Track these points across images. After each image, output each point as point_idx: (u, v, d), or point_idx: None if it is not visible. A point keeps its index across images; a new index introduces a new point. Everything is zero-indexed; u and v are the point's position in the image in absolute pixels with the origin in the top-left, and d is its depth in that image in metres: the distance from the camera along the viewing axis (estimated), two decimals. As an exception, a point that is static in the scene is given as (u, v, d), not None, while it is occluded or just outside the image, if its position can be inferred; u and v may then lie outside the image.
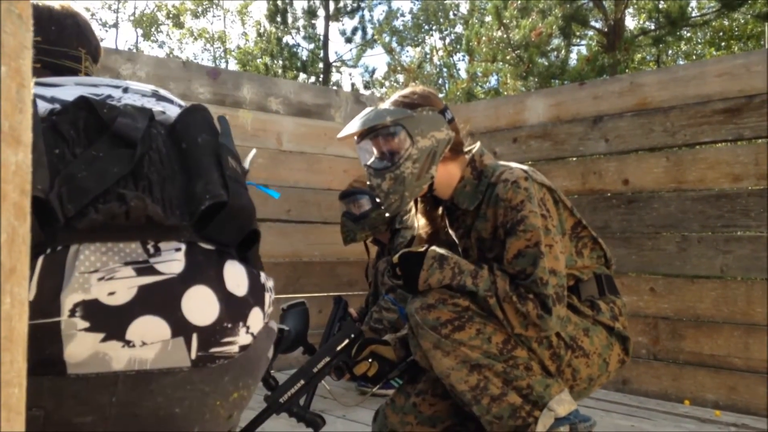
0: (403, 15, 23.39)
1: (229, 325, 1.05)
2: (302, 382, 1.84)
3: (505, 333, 1.64)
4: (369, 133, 1.73)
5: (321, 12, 15.28)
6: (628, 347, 1.77)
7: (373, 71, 18.87)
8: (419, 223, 1.94)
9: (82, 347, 0.93)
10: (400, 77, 17.45)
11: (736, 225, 2.70)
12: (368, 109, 1.76)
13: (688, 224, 2.84)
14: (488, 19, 11.58)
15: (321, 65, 16.02)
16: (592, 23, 10.19)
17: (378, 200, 3.10)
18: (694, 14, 10.00)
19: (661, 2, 9.32)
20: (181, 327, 0.99)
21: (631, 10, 11.68)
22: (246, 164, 1.24)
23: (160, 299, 0.99)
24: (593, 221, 3.01)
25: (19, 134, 0.49)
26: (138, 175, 1.04)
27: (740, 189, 2.70)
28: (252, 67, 18.14)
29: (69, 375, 0.94)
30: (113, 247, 0.99)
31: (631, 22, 12.89)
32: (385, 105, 1.78)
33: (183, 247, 1.04)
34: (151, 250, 1.02)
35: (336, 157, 3.74)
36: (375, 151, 1.76)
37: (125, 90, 1.22)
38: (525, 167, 1.75)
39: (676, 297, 2.86)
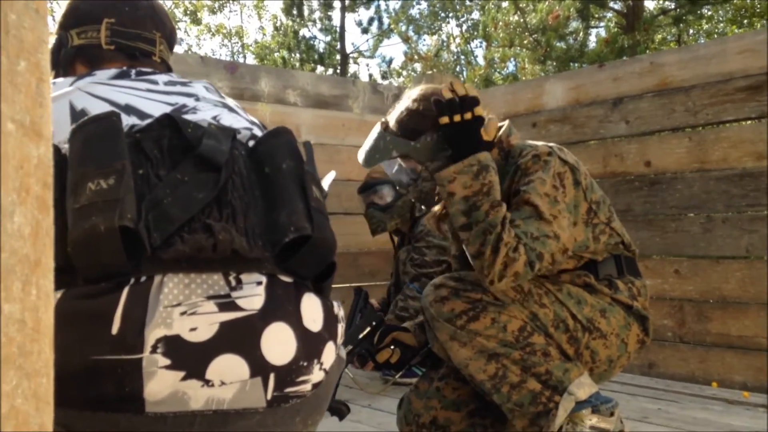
0: (419, 3, 23.25)
1: (305, 364, 1.03)
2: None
3: (521, 320, 1.64)
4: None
5: (337, 3, 15.26)
6: (648, 327, 1.76)
7: (391, 61, 18.85)
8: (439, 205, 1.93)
9: (162, 385, 0.92)
10: (418, 66, 17.38)
11: (761, 204, 2.66)
12: (377, 133, 1.79)
13: (712, 205, 2.81)
14: (505, 4, 11.49)
15: (338, 57, 16.01)
16: (611, 4, 10.07)
17: (398, 189, 3.10)
18: (714, -8, 9.84)
19: (681, -19, 9.18)
20: (259, 367, 0.97)
21: (649, -10, 11.50)
22: (325, 186, 1.22)
23: (241, 337, 0.97)
24: (615, 204, 2.97)
25: (40, 128, 0.49)
26: (222, 201, 1.01)
27: (764, 167, 2.65)
28: (270, 60, 18.18)
29: (147, 413, 0.92)
30: (196, 278, 0.97)
31: (650, 2, 12.71)
32: (392, 120, 1.79)
33: (264, 280, 1.01)
34: (233, 283, 0.99)
35: (355, 148, 3.73)
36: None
37: (197, 99, 1.20)
38: (553, 144, 1.74)
39: (701, 279, 2.83)
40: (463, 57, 17.76)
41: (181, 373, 0.92)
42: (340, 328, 1.14)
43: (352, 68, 17.00)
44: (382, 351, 1.92)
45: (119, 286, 0.93)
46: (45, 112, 0.50)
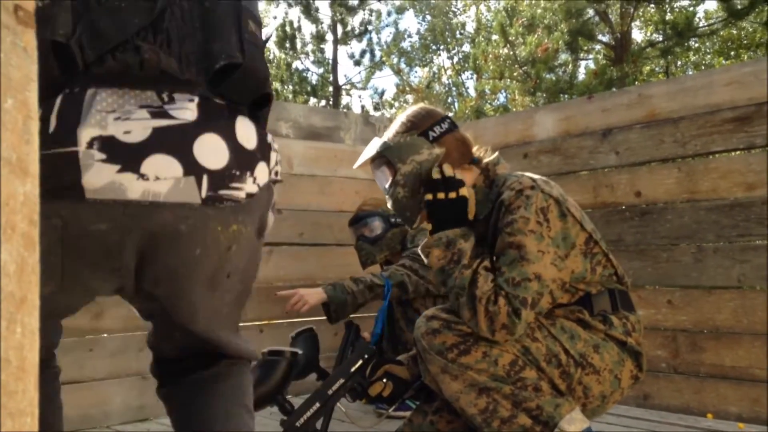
0: (410, 36, 23.56)
1: (237, 173, 1.12)
2: (318, 404, 1.83)
3: (512, 354, 1.63)
4: (373, 162, 1.91)
5: (329, 36, 15.44)
6: (642, 363, 1.75)
7: (383, 93, 19.02)
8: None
9: (99, 176, 1.00)
10: (410, 97, 17.54)
11: (752, 234, 2.68)
12: (375, 139, 1.91)
13: (703, 235, 2.82)
14: (495, 37, 11.64)
15: (331, 89, 16.14)
16: (599, 37, 10.22)
17: (391, 220, 3.11)
18: (701, 24, 10.01)
19: (668, 14, 9.33)
20: (192, 167, 1.07)
21: (637, 22, 11.69)
22: (265, 36, 1.30)
23: (174, 141, 1.06)
24: (606, 235, 2.99)
25: (27, 165, 0.49)
26: (158, 28, 1.09)
27: (754, 197, 2.67)
28: (262, 92, 18.27)
29: (87, 200, 1.02)
30: (129, 92, 1.06)
31: (638, 35, 12.91)
32: (386, 133, 1.91)
33: (196, 99, 1.11)
34: (166, 99, 1.09)
35: (347, 179, 3.75)
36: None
37: None
38: (537, 176, 1.76)
39: (694, 309, 2.82)
40: (454, 88, 17.95)
41: (117, 167, 1.02)
42: (274, 156, 1.24)
43: (344, 100, 17.14)
44: (374, 384, 1.90)
45: (54, 95, 1.02)
46: (32, 150, 0.50)
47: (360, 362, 1.89)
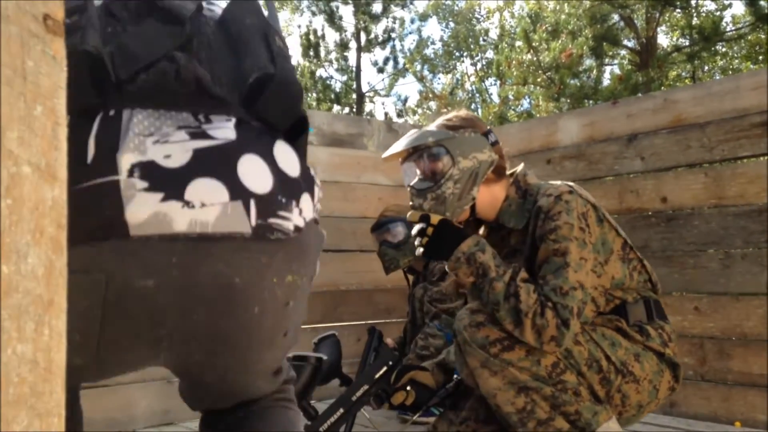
0: (433, 43, 23.57)
1: (284, 200, 1.02)
2: (341, 410, 1.83)
3: (554, 356, 1.61)
4: (412, 153, 1.76)
5: (353, 44, 15.50)
6: (678, 374, 1.73)
7: (406, 99, 19.01)
8: None
9: (142, 207, 0.92)
10: (433, 104, 17.54)
11: (781, 240, 2.63)
12: (413, 131, 1.80)
13: (730, 241, 2.78)
14: (518, 43, 11.60)
15: (354, 96, 16.20)
16: (624, 42, 10.14)
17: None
18: (728, 29, 9.88)
19: (694, 18, 9.23)
20: (238, 191, 0.97)
21: (663, 27, 11.59)
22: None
23: (217, 163, 0.98)
24: (633, 240, 2.95)
25: (55, 170, 0.50)
26: (187, 51, 1.03)
27: (783, 203, 2.63)
28: (286, 100, 18.39)
29: (132, 236, 0.92)
30: (165, 113, 0.99)
31: (664, 40, 12.79)
32: (430, 128, 1.81)
33: (233, 119, 1.04)
34: (203, 120, 1.01)
35: (370, 185, 3.76)
36: (418, 171, 1.77)
37: None
38: (571, 183, 1.74)
39: (721, 315, 2.78)
40: (477, 95, 17.91)
41: (160, 195, 0.93)
42: (317, 190, 1.14)
43: (367, 107, 17.20)
44: (396, 393, 1.89)
45: (89, 118, 0.94)
46: (60, 155, 0.51)
47: (384, 369, 1.89)
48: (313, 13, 15.28)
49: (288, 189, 1.04)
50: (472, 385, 1.73)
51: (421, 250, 1.71)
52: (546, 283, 1.57)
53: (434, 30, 35.92)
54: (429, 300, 3.04)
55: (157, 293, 0.95)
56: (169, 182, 0.93)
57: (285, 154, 1.07)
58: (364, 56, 16.20)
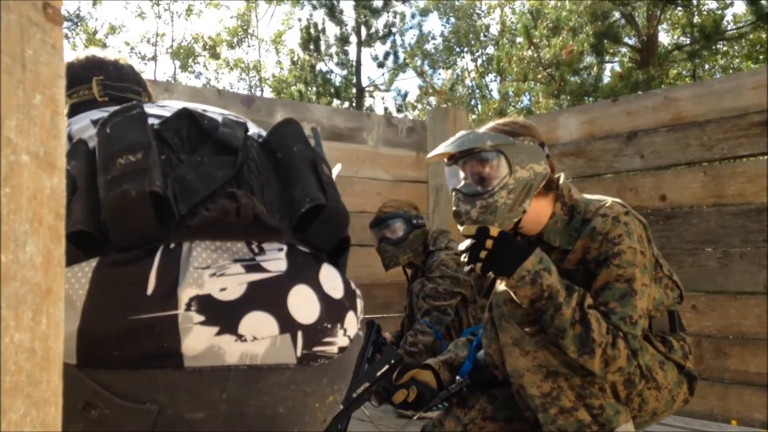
0: (434, 38, 23.54)
1: (329, 326, 1.07)
2: (342, 407, 1.83)
3: None
4: (465, 155, 1.63)
5: (353, 38, 15.47)
6: (694, 387, 1.72)
7: (406, 95, 18.94)
8: None
9: (198, 340, 0.96)
10: (432, 99, 17.52)
11: (779, 239, 2.63)
12: (464, 132, 1.67)
13: (729, 239, 2.78)
14: (519, 39, 11.59)
15: (354, 90, 16.17)
16: (625, 40, 10.13)
17: (413, 222, 3.10)
18: (729, 28, 9.87)
19: (695, 16, 9.22)
20: (288, 324, 1.02)
21: (664, 25, 11.58)
22: (333, 176, 1.30)
23: (268, 296, 1.02)
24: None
25: (54, 159, 0.50)
26: (240, 179, 1.08)
27: (782, 202, 2.63)
28: (286, 94, 18.40)
29: (186, 368, 0.96)
30: (222, 246, 1.03)
31: (665, 38, 12.77)
32: (483, 129, 1.70)
33: (284, 247, 1.07)
34: (256, 250, 1.05)
35: (369, 180, 3.76)
36: (464, 175, 1.66)
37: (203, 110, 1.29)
38: (619, 201, 1.68)
39: (719, 314, 2.79)
40: (477, 91, 17.89)
41: (216, 329, 0.96)
42: (359, 303, 1.19)
43: (367, 101, 17.17)
44: (398, 392, 1.88)
45: (151, 252, 0.98)
46: (59, 144, 0.51)
47: (386, 367, 1.88)
48: (314, 7, 15.24)
49: (333, 313, 1.09)
50: (496, 362, 1.70)
51: (479, 265, 1.58)
52: (612, 312, 1.52)
53: (435, 25, 35.93)
54: (423, 296, 3.04)
55: (204, 424, 1.00)
56: (224, 316, 0.97)
57: (330, 278, 1.11)
58: (365, 51, 16.20)
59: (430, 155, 1.70)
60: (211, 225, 1.01)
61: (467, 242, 1.60)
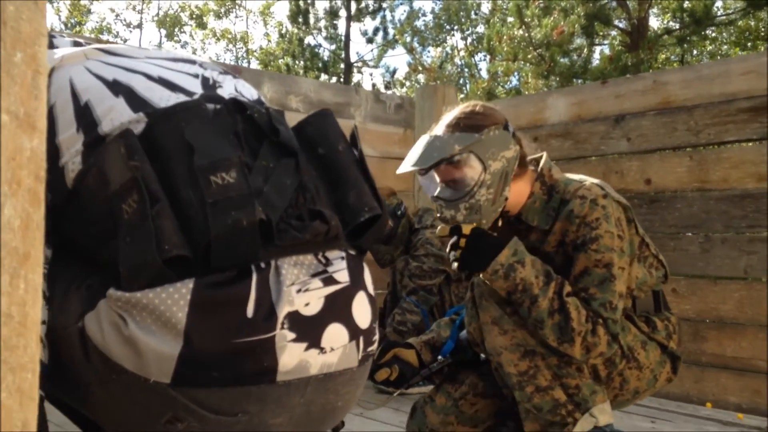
0: (424, 15, 23.35)
1: (375, 326, 1.16)
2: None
3: None
4: (437, 165, 1.62)
5: (343, 12, 15.31)
6: (677, 366, 1.74)
7: (394, 71, 18.80)
8: None
9: (291, 357, 1.01)
10: (421, 77, 17.43)
11: (761, 225, 2.66)
12: (427, 138, 1.64)
13: (711, 224, 2.80)
14: (510, 18, 11.53)
15: (342, 65, 16.05)
16: (616, 23, 10.11)
17: (397, 213, 3.09)
18: (719, 14, 9.88)
19: (686, 1, 9.21)
20: (354, 332, 1.09)
21: (655, 9, 11.56)
22: None
23: (341, 307, 1.08)
24: (614, 221, 2.98)
25: (35, 120, 0.49)
26: (303, 186, 1.08)
27: (765, 189, 2.65)
28: (274, 67, 18.24)
29: (277, 382, 1.01)
30: (298, 261, 1.05)
31: (655, 22, 12.76)
32: (440, 129, 1.66)
33: (344, 255, 1.11)
34: (323, 261, 1.08)
35: (356, 156, 3.74)
36: (440, 179, 1.65)
37: (201, 65, 1.24)
38: (599, 182, 1.68)
39: (698, 298, 2.82)
40: (466, 69, 17.83)
41: (304, 344, 1.02)
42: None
43: (355, 77, 17.06)
44: (381, 371, 1.90)
45: (244, 272, 0.99)
46: (40, 105, 0.49)
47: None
48: (304, -21, 15.06)
49: (375, 312, 1.16)
50: (476, 340, 1.72)
51: (456, 264, 1.62)
52: (593, 298, 1.54)
53: (425, 2, 35.61)
54: (409, 275, 3.04)
55: (282, 427, 1.08)
56: (309, 331, 1.03)
57: (369, 278, 1.18)
58: (354, 25, 16.05)
59: (400, 170, 1.66)
60: (294, 243, 1.04)
61: (450, 243, 1.64)
